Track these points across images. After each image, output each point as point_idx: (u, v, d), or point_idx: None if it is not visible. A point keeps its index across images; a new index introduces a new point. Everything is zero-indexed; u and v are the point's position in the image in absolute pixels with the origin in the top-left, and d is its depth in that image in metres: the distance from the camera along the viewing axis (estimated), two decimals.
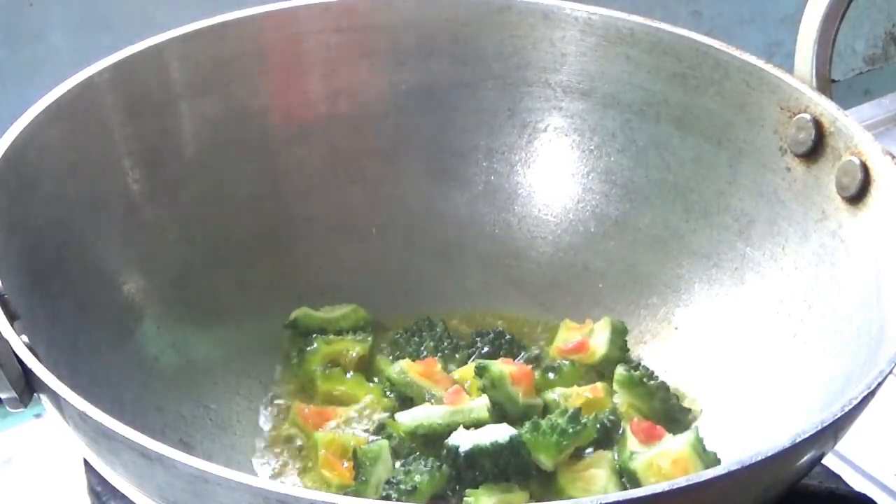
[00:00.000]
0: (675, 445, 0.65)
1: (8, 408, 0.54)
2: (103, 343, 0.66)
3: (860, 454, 0.77)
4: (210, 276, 0.73)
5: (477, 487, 0.63)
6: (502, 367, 0.69)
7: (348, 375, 0.72)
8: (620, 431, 0.69)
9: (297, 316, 0.74)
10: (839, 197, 0.66)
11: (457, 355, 0.74)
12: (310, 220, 0.77)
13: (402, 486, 0.63)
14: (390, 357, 0.74)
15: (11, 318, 0.54)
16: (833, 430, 0.52)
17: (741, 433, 0.67)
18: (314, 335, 0.73)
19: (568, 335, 0.74)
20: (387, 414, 0.69)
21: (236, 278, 0.74)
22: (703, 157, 0.74)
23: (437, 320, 0.75)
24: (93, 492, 0.67)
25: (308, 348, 0.73)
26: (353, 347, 0.73)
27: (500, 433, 0.65)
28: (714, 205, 0.74)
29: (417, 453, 0.66)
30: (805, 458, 0.52)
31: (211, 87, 0.74)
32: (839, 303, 0.65)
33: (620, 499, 0.46)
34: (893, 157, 0.64)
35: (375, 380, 0.73)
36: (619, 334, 0.73)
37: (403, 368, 0.71)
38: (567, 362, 0.72)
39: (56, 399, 0.51)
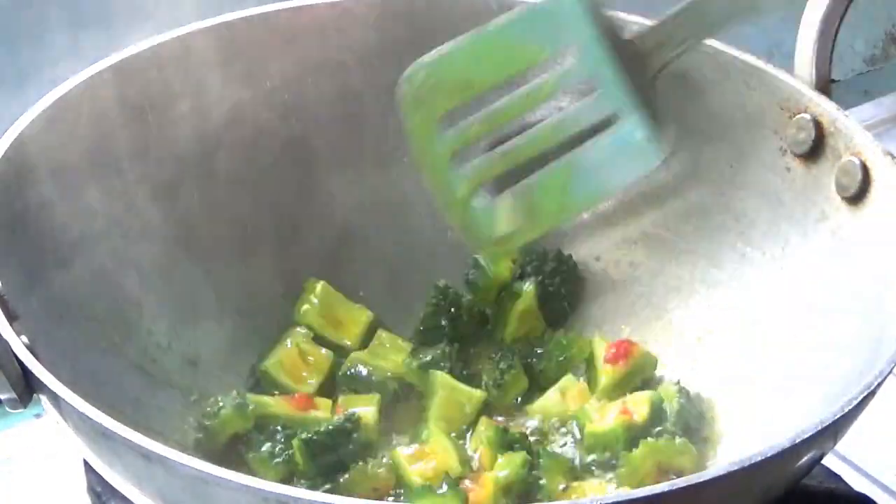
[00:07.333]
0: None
1: (8, 408, 0.54)
2: (103, 343, 0.66)
3: (860, 454, 0.77)
4: (210, 277, 0.73)
5: None
6: None
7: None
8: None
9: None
10: (839, 197, 0.66)
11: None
12: (310, 220, 0.77)
13: None
14: None
15: (11, 318, 0.54)
16: (833, 430, 0.52)
17: (741, 433, 0.67)
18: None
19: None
20: None
21: (237, 278, 0.74)
22: (703, 157, 0.74)
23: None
24: (93, 492, 0.67)
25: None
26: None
27: None
28: (714, 205, 0.74)
29: None
30: (805, 458, 0.52)
31: (211, 87, 0.73)
32: (839, 303, 0.65)
33: (620, 499, 0.46)
34: (893, 157, 0.64)
35: None
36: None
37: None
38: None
39: (56, 399, 0.51)
